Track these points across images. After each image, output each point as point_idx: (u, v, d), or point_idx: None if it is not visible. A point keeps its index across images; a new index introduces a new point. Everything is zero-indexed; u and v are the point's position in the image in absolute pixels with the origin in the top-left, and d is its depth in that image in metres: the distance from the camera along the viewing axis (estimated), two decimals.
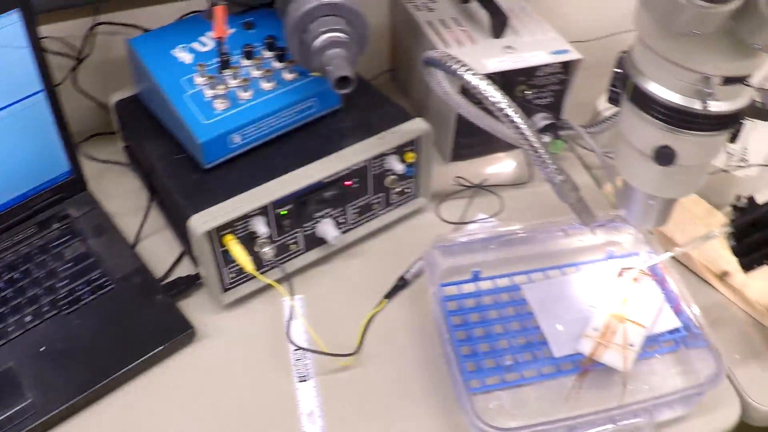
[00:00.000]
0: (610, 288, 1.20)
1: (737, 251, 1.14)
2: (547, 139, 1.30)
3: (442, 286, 1.22)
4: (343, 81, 1.09)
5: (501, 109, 1.01)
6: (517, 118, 1.01)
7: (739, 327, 1.24)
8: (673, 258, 1.29)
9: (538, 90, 1.36)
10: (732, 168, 1.35)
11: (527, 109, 1.36)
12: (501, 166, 1.46)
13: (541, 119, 1.35)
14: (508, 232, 1.23)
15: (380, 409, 1.10)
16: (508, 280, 1.25)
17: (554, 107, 1.39)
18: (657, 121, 0.95)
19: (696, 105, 0.91)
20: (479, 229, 1.23)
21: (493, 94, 1.02)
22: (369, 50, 1.43)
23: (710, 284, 1.29)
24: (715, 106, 0.91)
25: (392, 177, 1.26)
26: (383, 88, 1.37)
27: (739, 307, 1.27)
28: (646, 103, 0.95)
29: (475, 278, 1.24)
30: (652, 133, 0.96)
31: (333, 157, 1.19)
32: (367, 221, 1.30)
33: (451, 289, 1.22)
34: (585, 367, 1.12)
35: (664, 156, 0.96)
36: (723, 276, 1.26)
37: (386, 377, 1.13)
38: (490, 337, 1.17)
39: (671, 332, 1.18)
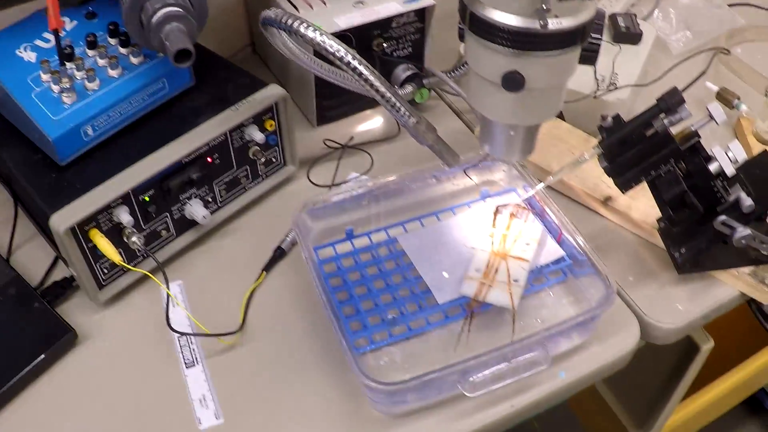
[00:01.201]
0: (488, 227, 1.15)
1: (611, 172, 1.10)
2: (410, 89, 1.24)
3: (317, 249, 1.15)
4: (182, 55, 1.02)
5: (341, 58, 0.96)
6: (358, 64, 0.96)
7: (630, 249, 1.20)
8: (556, 191, 1.25)
9: (395, 42, 1.30)
10: (602, 93, 1.30)
11: (388, 62, 1.30)
12: (370, 123, 1.40)
13: (403, 71, 1.30)
14: (378, 186, 1.17)
15: (273, 383, 1.04)
16: (384, 233, 1.19)
17: (416, 57, 1.33)
18: (499, 46, 0.89)
19: (535, 25, 0.85)
20: (350, 188, 1.16)
21: (331, 44, 0.96)
22: (226, 26, 1.37)
23: (595, 211, 1.24)
24: (555, 24, 0.86)
25: (255, 147, 1.20)
26: (245, 63, 1.31)
27: (626, 229, 1.22)
28: (486, 29, 0.89)
29: (349, 237, 1.17)
30: (496, 60, 0.90)
31: (189, 136, 1.12)
32: (237, 196, 1.23)
33: (327, 251, 1.16)
34: (471, 309, 1.07)
35: (512, 81, 0.91)
36: (606, 201, 1.22)
37: (275, 350, 1.07)
38: (372, 294, 1.11)
39: (557, 263, 1.14)
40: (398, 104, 0.97)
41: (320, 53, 0.98)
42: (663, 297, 1.15)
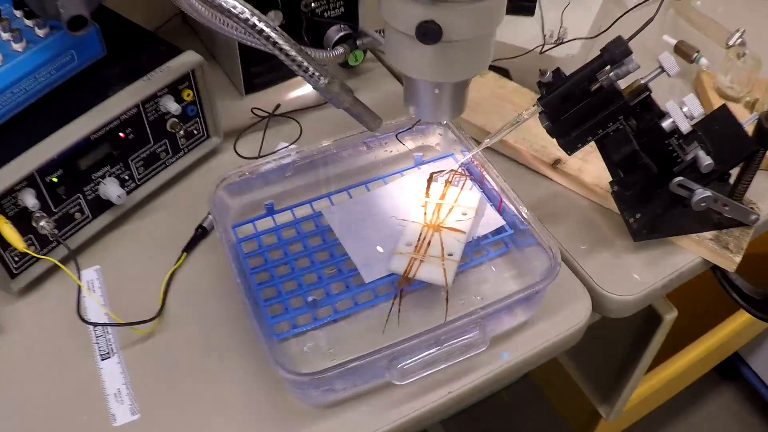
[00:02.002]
0: (421, 196, 0.97)
1: (553, 132, 0.93)
2: (341, 51, 1.06)
3: (236, 226, 0.98)
4: (76, 22, 0.86)
5: (237, 15, 0.78)
6: (258, 21, 0.78)
7: (582, 215, 1.03)
8: (502, 155, 1.08)
9: (326, 1, 1.11)
10: (549, 48, 1.12)
11: (319, 23, 1.12)
12: (302, 89, 1.21)
13: (336, 32, 1.12)
14: (303, 156, 0.99)
15: (192, 374, 0.88)
16: (309, 207, 1.01)
17: (349, 17, 1.15)
18: None
19: None
20: (272, 159, 0.98)
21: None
22: None
23: (544, 175, 1.07)
24: None
25: (173, 120, 1.02)
26: (174, 33, 1.15)
27: (578, 194, 1.05)
28: None
29: (270, 212, 1.00)
30: (411, 11, 0.74)
31: (96, 110, 0.95)
32: (157, 173, 1.05)
33: (246, 228, 0.99)
34: (401, 288, 0.89)
35: (428, 32, 0.75)
36: (555, 164, 1.05)
37: (195, 338, 0.91)
38: (294, 274, 0.94)
39: (497, 233, 0.96)
40: (305, 63, 0.80)
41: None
42: (618, 266, 0.98)
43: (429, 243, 0.91)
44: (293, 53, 0.79)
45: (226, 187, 0.95)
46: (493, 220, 0.96)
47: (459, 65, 0.80)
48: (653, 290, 0.96)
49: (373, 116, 0.87)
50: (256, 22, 0.78)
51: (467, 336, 0.83)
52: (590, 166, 1.03)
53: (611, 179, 0.96)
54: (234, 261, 0.87)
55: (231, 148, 1.12)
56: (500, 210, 0.96)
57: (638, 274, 0.96)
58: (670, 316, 1.13)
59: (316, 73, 0.81)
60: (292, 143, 1.11)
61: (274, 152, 1.09)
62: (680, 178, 0.89)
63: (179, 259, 0.98)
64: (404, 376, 0.81)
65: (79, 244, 0.99)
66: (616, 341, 1.27)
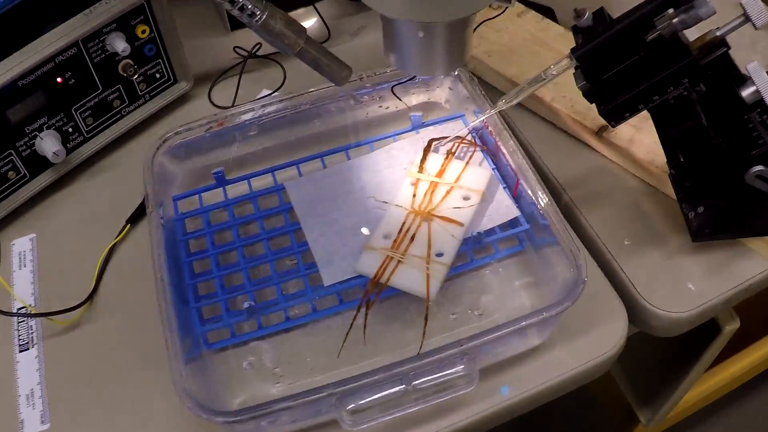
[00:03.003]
0: (413, 171, 0.65)
1: (592, 95, 0.60)
2: None
3: (178, 199, 0.68)
4: None
5: None
6: None
7: (630, 200, 0.72)
8: (540, 117, 0.76)
9: None
10: None
11: None
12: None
13: None
14: (278, 110, 0.68)
15: (116, 379, 0.62)
16: (270, 177, 0.69)
17: None
18: None
19: None
20: (248, 107, 0.67)
21: None
22: None
23: (588, 144, 0.73)
24: None
25: (125, 61, 0.72)
26: None
27: (627, 171, 0.71)
28: None
29: (221, 182, 0.69)
30: None
31: (24, 51, 0.67)
32: (110, 124, 0.76)
33: (190, 201, 0.68)
34: (368, 296, 0.58)
35: None
36: (601, 132, 0.71)
37: (125, 333, 0.65)
38: (243, 265, 0.64)
39: (509, 226, 0.64)
40: None
41: None
42: (669, 272, 0.66)
43: (413, 237, 0.60)
44: None
45: (170, 150, 0.65)
46: (505, 208, 0.64)
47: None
48: (712, 306, 0.65)
49: (337, 65, 0.56)
50: None
51: (447, 372, 0.53)
52: (644, 136, 0.70)
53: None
54: (163, 246, 0.58)
55: (205, 95, 0.80)
56: (516, 195, 0.64)
57: (694, 283, 0.65)
58: (731, 327, 0.79)
59: (249, 6, 0.49)
60: (274, 91, 0.79)
61: (253, 101, 0.76)
62: (760, 167, 0.56)
63: (121, 231, 0.69)
64: (356, 421, 0.52)
65: (15, 207, 0.72)
66: (664, 344, 0.93)
